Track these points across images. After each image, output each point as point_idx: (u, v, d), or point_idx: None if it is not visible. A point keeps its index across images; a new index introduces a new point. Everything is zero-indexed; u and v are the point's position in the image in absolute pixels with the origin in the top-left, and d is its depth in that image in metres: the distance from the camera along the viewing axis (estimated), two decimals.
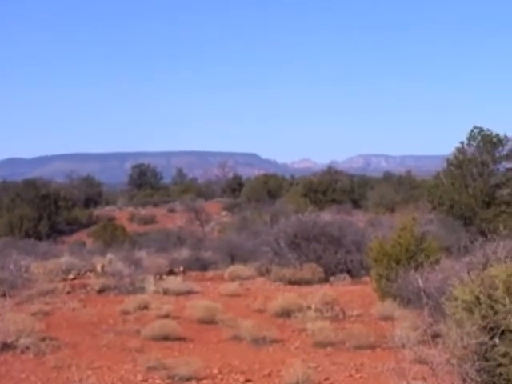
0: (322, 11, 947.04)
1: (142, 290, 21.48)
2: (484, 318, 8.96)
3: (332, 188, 73.80)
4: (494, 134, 34.69)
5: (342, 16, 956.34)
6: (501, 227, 26.02)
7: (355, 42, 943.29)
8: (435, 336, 11.37)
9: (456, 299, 9.19)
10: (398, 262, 18.05)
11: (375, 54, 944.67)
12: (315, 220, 26.17)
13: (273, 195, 75.17)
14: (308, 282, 23.38)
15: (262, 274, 25.57)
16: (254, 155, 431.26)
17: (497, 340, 8.87)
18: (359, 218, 50.11)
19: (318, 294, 18.61)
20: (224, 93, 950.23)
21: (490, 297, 9.07)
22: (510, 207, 33.85)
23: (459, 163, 34.55)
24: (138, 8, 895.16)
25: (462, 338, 8.89)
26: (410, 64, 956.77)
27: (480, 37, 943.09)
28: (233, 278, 24.77)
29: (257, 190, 78.44)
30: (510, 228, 20.10)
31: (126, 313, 17.93)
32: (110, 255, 27.12)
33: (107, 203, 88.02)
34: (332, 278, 23.97)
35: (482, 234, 27.40)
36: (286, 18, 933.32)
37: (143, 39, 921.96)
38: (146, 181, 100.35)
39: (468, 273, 10.08)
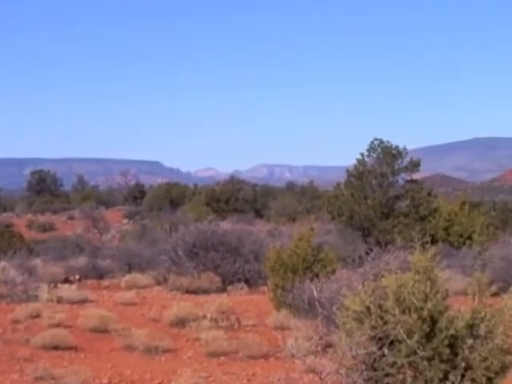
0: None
1: (36, 298, 21.00)
2: (373, 328, 8.99)
3: (234, 197, 73.82)
4: (393, 146, 35.20)
5: (241, 28, 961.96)
6: (398, 238, 26.42)
7: (255, 51, 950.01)
8: (328, 346, 11.37)
9: (347, 309, 9.20)
10: (294, 272, 18.06)
11: (274, 63, 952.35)
12: (214, 229, 26.09)
13: (175, 204, 74.77)
14: (205, 291, 23.25)
15: (159, 283, 25.33)
16: (157, 163, 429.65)
17: (386, 350, 8.92)
18: (261, 228, 50.18)
19: (214, 303, 18.48)
20: (125, 100, 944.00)
21: (380, 307, 9.11)
22: (407, 219, 34.38)
23: (359, 174, 34.93)
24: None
25: (351, 348, 8.90)
26: (310, 74, 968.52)
27: (377, 48, 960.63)
28: (129, 287, 24.45)
29: (159, 199, 77.95)
30: (407, 239, 20.35)
31: (16, 321, 17.46)
32: (3, 263, 26.41)
33: (5, 209, 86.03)
34: (229, 288, 23.90)
35: (380, 244, 27.78)
36: (171, 28, 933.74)
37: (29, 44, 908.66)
38: (45, 187, 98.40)
39: (362, 283, 10.12)
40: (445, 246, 33.40)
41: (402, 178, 36.16)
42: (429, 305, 8.85)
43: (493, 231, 37.54)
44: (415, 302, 8.92)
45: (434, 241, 33.99)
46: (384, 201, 34.56)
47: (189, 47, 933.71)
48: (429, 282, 9.03)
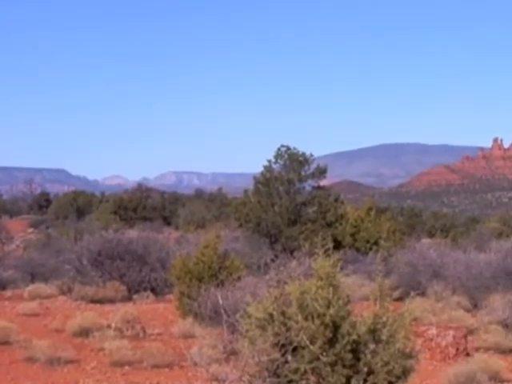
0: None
1: None
2: (277, 334, 8.94)
3: (142, 205, 73.25)
4: (300, 153, 35.34)
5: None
6: (305, 245, 26.55)
7: (161, 58, 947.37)
8: (233, 354, 11.29)
9: (250, 317, 9.13)
10: (200, 280, 17.97)
11: (179, 72, 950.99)
12: (119, 237, 25.76)
13: (82, 212, 73.80)
14: (111, 301, 22.91)
15: (63, 293, 24.86)
16: (63, 171, 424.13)
17: (289, 356, 8.87)
18: (168, 236, 49.90)
19: (119, 312, 18.21)
20: (30, 108, 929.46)
21: (283, 314, 9.07)
22: (315, 225, 34.57)
23: (266, 181, 34.95)
24: None
25: (254, 355, 8.83)
26: (215, 80, 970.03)
27: (284, 52, 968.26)
28: (33, 297, 23.92)
29: (65, 207, 76.81)
30: (314, 246, 20.39)
31: None
32: None
33: None
34: (135, 296, 23.63)
35: (287, 251, 27.87)
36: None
37: None
38: None
39: (268, 290, 10.08)
40: (351, 252, 33.79)
41: (309, 184, 36.31)
42: (331, 311, 8.83)
43: (399, 236, 38.11)
44: (318, 308, 8.90)
45: (341, 247, 34.33)
46: (291, 207, 34.67)
47: (98, 59, 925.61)
48: (331, 288, 9.01)
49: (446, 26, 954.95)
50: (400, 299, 21.34)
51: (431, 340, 15.86)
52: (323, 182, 38.17)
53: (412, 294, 10.21)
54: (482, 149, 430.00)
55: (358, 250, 35.16)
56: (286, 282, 9.48)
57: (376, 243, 35.80)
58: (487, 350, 17.01)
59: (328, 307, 8.85)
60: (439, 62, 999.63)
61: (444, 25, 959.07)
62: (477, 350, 16.91)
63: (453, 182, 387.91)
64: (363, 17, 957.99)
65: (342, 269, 9.39)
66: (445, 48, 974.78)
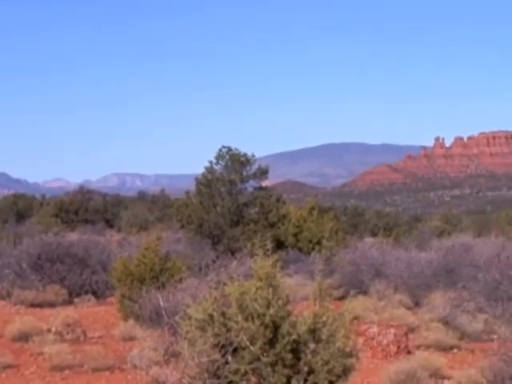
0: None
1: None
2: (217, 335, 8.91)
3: (84, 207, 72.55)
4: (241, 154, 35.28)
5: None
6: (248, 245, 26.49)
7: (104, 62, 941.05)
8: (174, 355, 11.20)
9: (190, 318, 9.08)
10: (141, 282, 17.83)
11: (121, 76, 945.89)
12: (59, 240, 25.46)
13: (22, 216, 72.81)
14: (51, 305, 22.61)
15: (2, 298, 24.45)
16: (3, 174, 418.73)
17: (229, 357, 8.84)
18: (110, 238, 49.49)
19: (59, 316, 17.99)
20: None
21: (223, 315, 9.03)
22: (257, 226, 34.54)
23: (208, 182, 34.80)
24: None
25: (194, 357, 8.78)
26: (157, 83, 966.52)
27: (224, 52, 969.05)
28: None
29: (4, 211, 75.68)
30: (257, 246, 20.39)
31: None
32: None
33: None
34: (76, 300, 23.36)
35: (230, 252, 27.81)
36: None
37: None
38: None
39: (209, 291, 10.04)
40: (294, 252, 33.85)
41: (251, 185, 36.25)
42: (271, 311, 8.82)
43: (342, 236, 38.25)
44: (258, 308, 8.88)
45: (283, 247, 34.39)
46: (233, 208, 34.60)
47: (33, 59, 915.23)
48: (271, 289, 9.00)
49: (383, 25, 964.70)
50: (343, 298, 21.44)
51: (372, 338, 15.94)
52: (266, 183, 38.16)
53: (352, 292, 10.26)
54: (424, 148, 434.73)
55: (300, 249, 35.22)
56: (225, 283, 9.45)
57: (319, 243, 35.89)
58: (428, 347, 17.18)
59: (268, 307, 8.83)
60: (380, 61, 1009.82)
61: (381, 24, 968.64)
62: (418, 347, 17.06)
63: (395, 181, 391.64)
64: (300, 14, 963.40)
65: (283, 269, 9.38)
66: (384, 47, 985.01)
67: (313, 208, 39.17)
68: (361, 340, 15.45)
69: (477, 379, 12.66)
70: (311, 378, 8.82)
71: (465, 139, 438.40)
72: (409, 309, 21.62)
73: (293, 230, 36.92)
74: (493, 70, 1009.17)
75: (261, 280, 9.07)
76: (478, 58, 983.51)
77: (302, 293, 20.09)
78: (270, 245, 9.62)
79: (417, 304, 22.76)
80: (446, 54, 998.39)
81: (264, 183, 37.33)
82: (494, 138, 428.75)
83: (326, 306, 9.27)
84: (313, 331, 9.05)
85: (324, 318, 9.14)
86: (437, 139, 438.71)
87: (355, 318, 19.25)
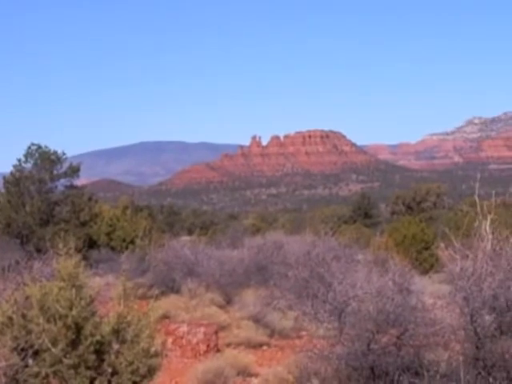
0: None
1: None
2: (16, 338, 8.65)
3: None
4: (52, 152, 34.46)
5: None
6: (57, 245, 25.93)
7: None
8: None
9: None
10: None
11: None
12: None
13: None
14: None
15: None
16: None
17: (29, 360, 8.60)
18: None
19: None
20: None
21: (24, 317, 8.77)
22: (68, 225, 33.89)
23: (16, 181, 33.79)
24: None
25: None
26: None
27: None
28: None
29: None
30: (64, 246, 19.95)
31: None
32: None
33: None
34: None
35: (38, 252, 27.12)
36: None
37: None
38: None
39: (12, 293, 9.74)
40: (107, 251, 33.49)
41: (62, 183, 35.51)
42: (73, 312, 8.65)
43: (158, 235, 38.22)
44: (60, 309, 8.69)
45: (96, 246, 33.96)
46: (43, 207, 33.75)
47: None
48: (74, 289, 8.83)
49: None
50: (156, 297, 21.32)
51: (182, 338, 15.94)
52: (82, 181, 37.58)
53: (156, 291, 10.21)
54: (241, 147, 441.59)
55: (113, 248, 34.90)
56: (26, 284, 9.20)
57: (132, 242, 35.69)
58: (238, 345, 17.34)
59: (70, 308, 8.65)
60: (192, 62, 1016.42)
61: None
62: (228, 345, 17.18)
63: (213, 180, 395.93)
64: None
65: (94, 268, 9.21)
66: (191, 46, 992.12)
67: (126, 207, 38.92)
68: (170, 339, 15.43)
69: (283, 376, 12.88)
70: (115, 379, 8.71)
71: (281, 138, 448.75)
72: (221, 307, 21.76)
73: (106, 228, 36.56)
74: (302, 72, 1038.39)
75: (64, 280, 8.88)
76: (285, 58, 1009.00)
77: (111, 292, 19.86)
78: (73, 244, 9.45)
79: (229, 302, 22.95)
80: (254, 54, 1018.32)
81: (79, 182, 36.71)
82: (309, 136, 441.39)
83: (131, 305, 9.18)
84: (117, 332, 8.94)
85: (128, 318, 9.05)
86: (253, 138, 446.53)
87: (166, 317, 19.30)
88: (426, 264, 33.15)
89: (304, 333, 18.59)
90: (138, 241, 35.11)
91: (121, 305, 9.15)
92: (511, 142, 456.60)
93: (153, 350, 9.09)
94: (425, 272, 30.24)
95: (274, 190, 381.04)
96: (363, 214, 77.78)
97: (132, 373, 8.78)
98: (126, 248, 34.84)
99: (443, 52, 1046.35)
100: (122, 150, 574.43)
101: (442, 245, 13.24)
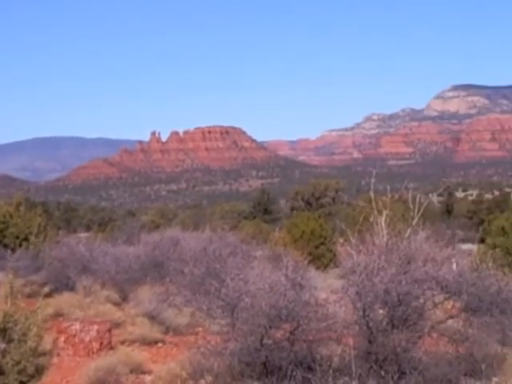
0: None
1: None
2: None
3: None
4: None
5: None
6: None
7: None
8: None
9: None
10: None
11: None
12: None
13: None
14: None
15: None
16: None
17: None
18: None
19: None
20: None
21: None
22: None
23: None
24: None
25: None
26: None
27: None
28: None
29: None
30: None
31: None
32: None
33: None
34: None
35: None
36: None
37: None
38: None
39: None
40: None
41: None
42: None
43: (54, 232, 37.50)
44: None
45: None
46: None
47: None
48: None
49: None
50: (49, 295, 20.96)
51: (74, 336, 15.65)
52: None
53: (46, 289, 10.02)
54: (140, 142, 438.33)
55: (6, 246, 34.10)
56: None
57: (26, 239, 34.94)
58: (133, 342, 17.14)
59: None
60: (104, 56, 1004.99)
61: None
62: (123, 343, 16.97)
63: (111, 176, 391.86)
64: None
65: None
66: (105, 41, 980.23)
67: (20, 203, 38.07)
68: (62, 338, 15.15)
69: (177, 372, 12.79)
70: (1, 380, 8.52)
71: (181, 134, 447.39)
72: (116, 304, 21.50)
73: None
74: (202, 67, 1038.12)
75: None
76: (185, 54, 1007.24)
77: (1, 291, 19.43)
78: None
79: (124, 299, 22.70)
80: (154, 50, 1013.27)
81: None
82: (209, 132, 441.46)
83: (18, 304, 8.98)
84: (3, 330, 8.74)
85: (15, 317, 8.85)
86: (153, 134, 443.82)
87: (60, 315, 18.95)
88: (325, 259, 33.49)
89: (200, 329, 18.51)
90: (32, 238, 34.37)
91: (7, 303, 8.94)
92: (409, 138, 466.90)
93: (41, 348, 8.92)
94: (323, 267, 30.55)
95: (174, 186, 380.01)
96: (263, 209, 78.27)
97: (19, 372, 8.61)
98: (20, 245, 34.09)
99: (342, 48, 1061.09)
100: (15, 145, 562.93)
101: (341, 240, 13.40)
